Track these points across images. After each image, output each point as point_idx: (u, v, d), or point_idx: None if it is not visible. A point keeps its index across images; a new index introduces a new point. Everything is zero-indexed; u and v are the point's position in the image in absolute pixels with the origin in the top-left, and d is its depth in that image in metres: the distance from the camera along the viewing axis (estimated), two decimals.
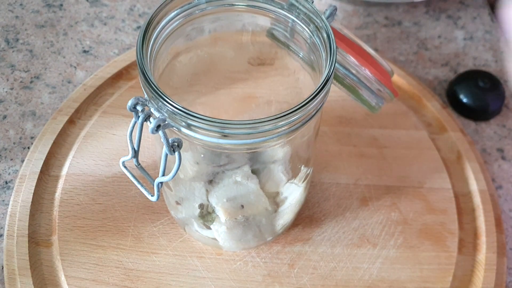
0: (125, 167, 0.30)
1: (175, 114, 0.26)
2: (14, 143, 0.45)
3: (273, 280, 0.38)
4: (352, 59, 0.33)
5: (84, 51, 0.51)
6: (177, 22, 0.30)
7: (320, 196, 0.42)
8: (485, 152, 0.47)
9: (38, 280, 0.37)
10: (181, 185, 0.36)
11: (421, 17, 0.57)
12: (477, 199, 0.43)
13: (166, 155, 0.26)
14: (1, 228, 0.40)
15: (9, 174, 0.43)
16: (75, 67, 0.50)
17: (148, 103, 0.27)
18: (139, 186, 0.30)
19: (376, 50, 0.54)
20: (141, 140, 0.28)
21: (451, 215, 0.42)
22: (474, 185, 0.43)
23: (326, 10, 0.31)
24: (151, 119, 0.26)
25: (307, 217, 0.41)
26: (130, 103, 0.26)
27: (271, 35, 0.33)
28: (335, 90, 0.32)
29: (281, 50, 0.34)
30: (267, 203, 0.35)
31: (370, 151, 0.45)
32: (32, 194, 0.40)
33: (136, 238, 0.39)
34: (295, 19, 0.31)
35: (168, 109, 0.26)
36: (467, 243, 0.41)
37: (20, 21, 0.53)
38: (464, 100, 0.49)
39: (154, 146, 0.42)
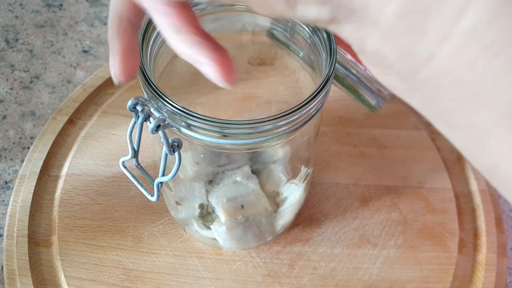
0: (125, 167, 0.30)
1: (175, 114, 0.26)
2: (14, 143, 0.45)
3: (273, 281, 0.38)
4: (352, 59, 0.32)
5: (84, 51, 0.51)
6: None
7: (320, 196, 0.42)
8: None
9: (38, 280, 0.37)
10: (181, 185, 0.36)
11: None
12: (477, 199, 0.43)
13: (166, 155, 0.26)
14: (1, 228, 0.40)
15: (9, 174, 0.43)
16: (75, 67, 0.50)
17: (148, 103, 0.27)
18: (139, 186, 0.30)
19: None
20: (141, 140, 0.28)
21: (452, 215, 0.42)
22: (475, 185, 0.43)
23: None
24: (151, 119, 0.26)
25: (307, 217, 0.41)
26: (130, 103, 0.26)
27: (271, 35, 0.33)
28: (335, 90, 0.32)
29: (281, 50, 0.34)
30: (267, 203, 0.35)
31: (370, 151, 0.45)
32: (32, 194, 0.40)
33: (136, 238, 0.39)
34: None
35: (168, 109, 0.26)
36: (468, 243, 0.41)
37: (20, 21, 0.53)
38: None
39: (154, 146, 0.42)
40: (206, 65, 0.22)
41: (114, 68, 0.24)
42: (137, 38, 0.26)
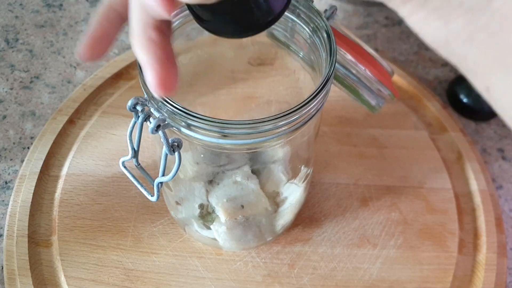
0: (125, 167, 0.30)
1: (175, 114, 0.26)
2: (14, 143, 0.45)
3: (273, 281, 0.38)
4: (352, 59, 0.32)
5: None
6: (177, 22, 0.30)
7: (320, 196, 0.42)
8: (485, 152, 0.47)
9: (38, 280, 0.37)
10: (181, 185, 0.36)
11: None
12: (477, 199, 0.43)
13: (166, 155, 0.26)
14: (1, 228, 0.40)
15: (9, 174, 0.43)
16: (75, 67, 0.50)
17: (148, 103, 0.27)
18: (139, 186, 0.30)
19: (376, 50, 0.54)
20: (141, 140, 0.28)
21: (452, 215, 0.42)
22: (475, 185, 0.43)
23: (326, 10, 0.31)
24: (151, 119, 0.26)
25: (307, 217, 0.41)
26: (130, 103, 0.26)
27: (271, 35, 0.33)
28: (335, 90, 0.32)
29: (281, 50, 0.34)
30: (267, 203, 0.35)
31: (370, 151, 0.45)
32: (32, 194, 0.40)
33: (136, 238, 0.39)
34: (295, 19, 0.31)
35: (168, 109, 0.26)
36: (467, 243, 0.41)
37: (20, 21, 0.53)
38: (465, 100, 0.49)
39: (154, 146, 0.42)
40: (148, 70, 0.23)
41: (82, 47, 0.26)
42: (118, 29, 0.27)
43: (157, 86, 0.23)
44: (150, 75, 0.23)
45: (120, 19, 0.26)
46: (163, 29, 0.23)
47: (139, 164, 0.30)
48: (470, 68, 0.21)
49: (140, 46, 0.23)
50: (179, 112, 0.25)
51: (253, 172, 0.35)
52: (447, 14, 0.20)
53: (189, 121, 0.26)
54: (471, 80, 0.22)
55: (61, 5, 0.55)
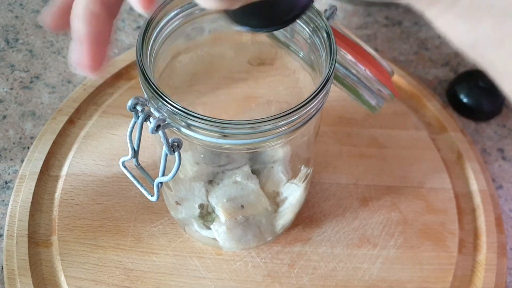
0: (125, 167, 0.30)
1: (175, 114, 0.26)
2: (14, 143, 0.45)
3: (273, 280, 0.38)
4: (352, 59, 0.32)
5: None
6: (177, 22, 0.30)
7: (320, 196, 0.42)
8: (485, 152, 0.47)
9: (38, 280, 0.37)
10: (181, 185, 0.36)
11: (421, 17, 0.57)
12: (477, 199, 0.43)
13: (166, 155, 0.26)
14: (1, 228, 0.40)
15: (9, 174, 0.43)
16: None
17: (148, 103, 0.27)
18: (139, 186, 0.30)
19: (376, 50, 0.54)
20: (141, 140, 0.28)
21: (451, 215, 0.42)
22: (474, 185, 0.43)
23: (326, 10, 0.31)
24: (151, 119, 0.26)
25: (307, 217, 0.41)
26: (130, 103, 0.26)
27: (271, 35, 0.33)
28: (335, 90, 0.32)
29: (281, 50, 0.34)
30: (267, 203, 0.35)
31: (370, 151, 0.45)
32: (32, 194, 0.40)
33: (136, 238, 0.39)
34: None
35: (168, 109, 0.26)
36: (467, 243, 0.41)
37: (20, 21, 0.53)
38: (465, 100, 0.49)
39: (154, 146, 0.42)
40: (80, 44, 0.21)
41: (48, 16, 0.22)
42: (111, 24, 0.24)
43: (85, 63, 0.20)
44: (81, 50, 0.20)
45: (108, 10, 0.24)
46: (110, 5, 0.21)
47: (139, 164, 0.30)
48: (498, 72, 0.21)
49: (81, 17, 0.20)
50: (179, 112, 0.25)
51: (253, 172, 0.35)
52: (475, 18, 0.19)
53: (189, 121, 0.26)
54: (498, 83, 0.21)
55: None
